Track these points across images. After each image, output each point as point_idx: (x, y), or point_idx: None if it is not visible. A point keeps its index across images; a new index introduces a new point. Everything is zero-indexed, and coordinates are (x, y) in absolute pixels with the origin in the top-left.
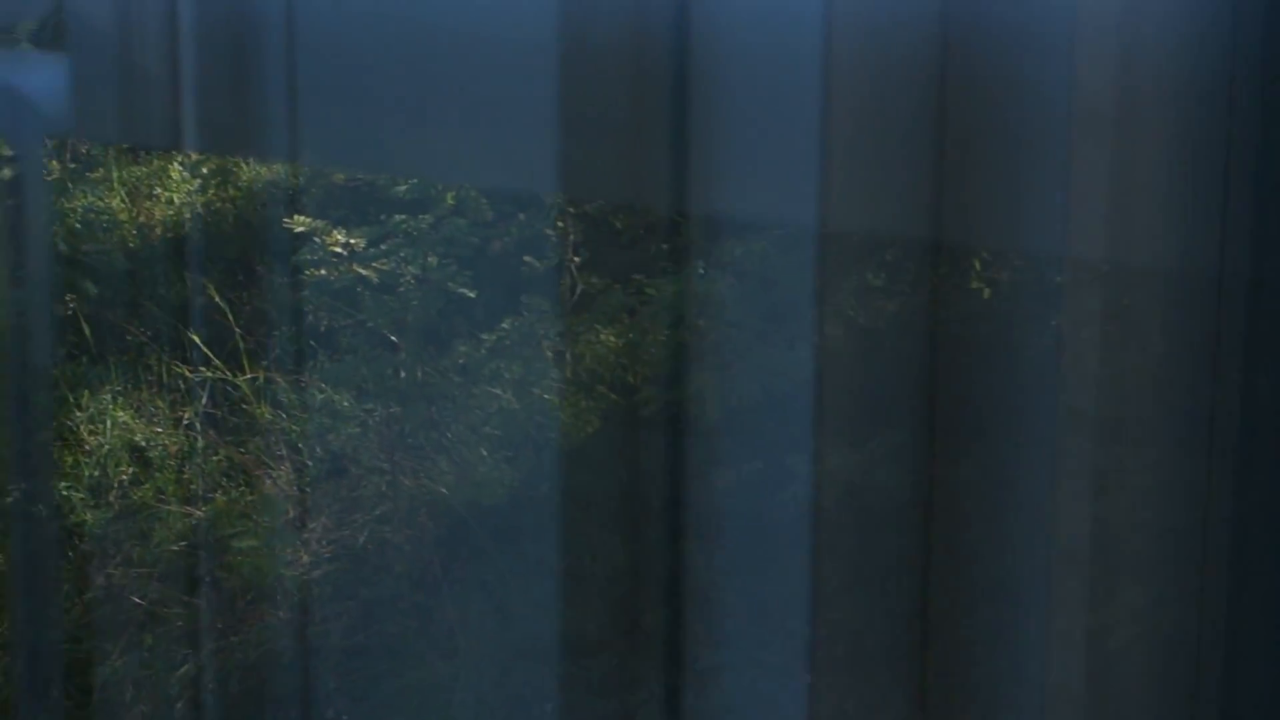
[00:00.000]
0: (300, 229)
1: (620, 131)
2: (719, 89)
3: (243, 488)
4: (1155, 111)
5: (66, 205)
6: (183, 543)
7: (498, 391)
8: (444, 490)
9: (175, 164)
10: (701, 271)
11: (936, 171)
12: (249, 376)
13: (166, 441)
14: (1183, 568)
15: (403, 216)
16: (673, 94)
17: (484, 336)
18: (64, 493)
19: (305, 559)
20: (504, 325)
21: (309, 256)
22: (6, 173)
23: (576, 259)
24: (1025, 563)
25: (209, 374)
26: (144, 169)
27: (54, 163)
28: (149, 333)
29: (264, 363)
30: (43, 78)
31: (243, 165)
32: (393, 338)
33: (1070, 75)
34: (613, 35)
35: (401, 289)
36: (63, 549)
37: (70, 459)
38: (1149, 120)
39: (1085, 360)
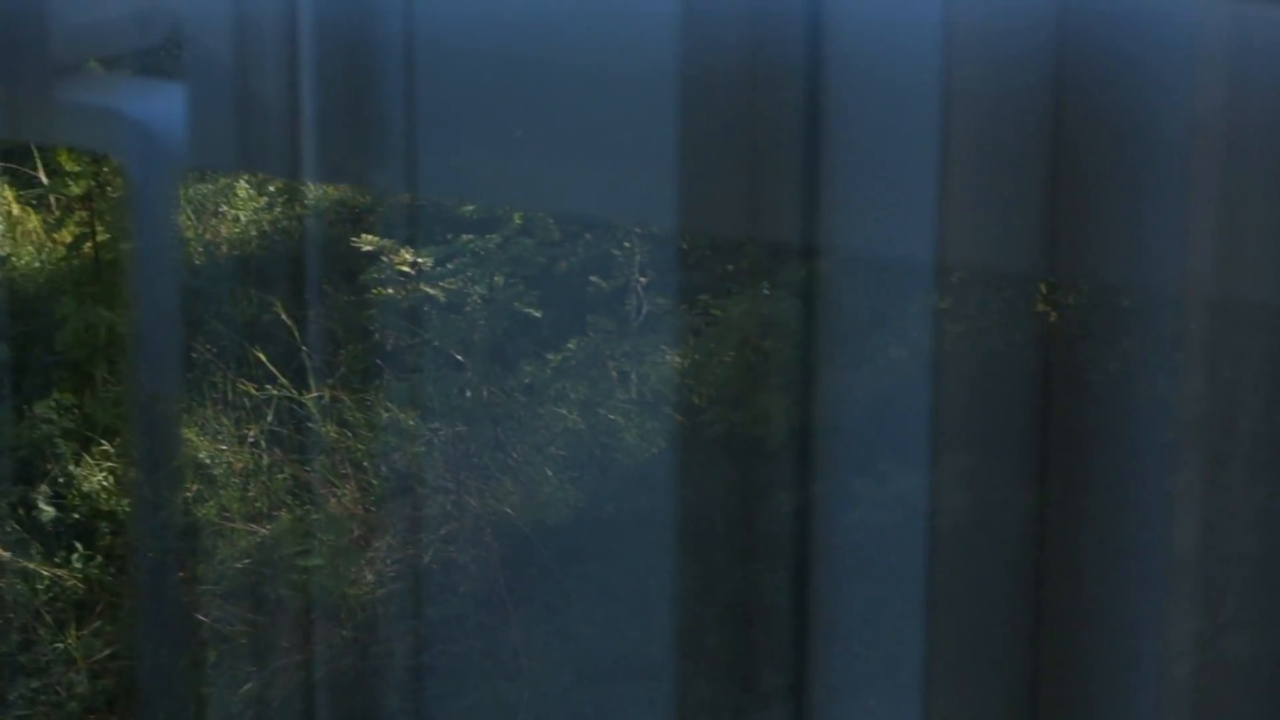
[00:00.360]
0: (368, 248)
1: (740, 165)
2: (837, 122)
3: (308, 506)
4: (1271, 142)
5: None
6: (247, 560)
7: (563, 411)
8: (509, 510)
9: (242, 182)
10: (767, 292)
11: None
12: (315, 395)
13: (231, 459)
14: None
15: (470, 236)
16: (792, 126)
17: (550, 356)
18: (128, 509)
19: (370, 578)
20: (570, 345)
21: (376, 275)
22: (128, 200)
23: (643, 279)
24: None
25: (275, 392)
26: (210, 186)
27: (120, 180)
28: (215, 350)
29: (330, 381)
30: (160, 105)
31: (310, 184)
32: (459, 357)
33: (1186, 108)
34: (729, 69)
35: (468, 308)
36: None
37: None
38: (1265, 152)
39: (1186, 387)
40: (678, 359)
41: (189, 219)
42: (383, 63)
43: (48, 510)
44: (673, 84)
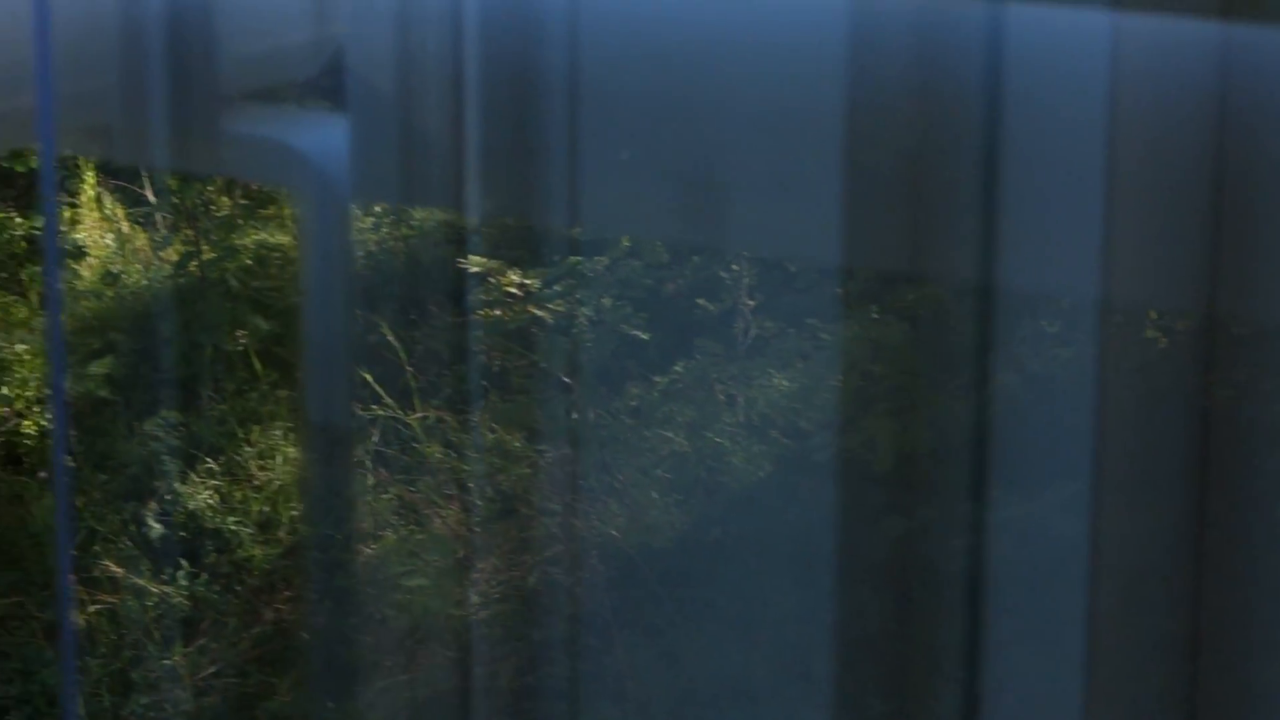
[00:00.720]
0: (475, 269)
1: (908, 202)
2: (1002, 158)
3: (412, 526)
4: None
5: (238, 241)
6: (352, 579)
7: (669, 435)
8: (614, 533)
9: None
10: (876, 317)
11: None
12: (420, 415)
13: (338, 478)
14: None
15: (578, 258)
16: (949, 161)
17: (656, 379)
18: (233, 528)
19: (474, 599)
20: (677, 368)
21: (483, 296)
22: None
23: (750, 302)
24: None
25: (380, 412)
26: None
27: (224, 199)
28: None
29: (435, 402)
30: (324, 137)
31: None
32: (565, 379)
33: None
34: (895, 109)
35: (575, 330)
36: (231, 582)
37: (240, 494)
38: None
39: None
40: (785, 383)
41: (294, 238)
42: (545, 96)
43: (155, 527)
44: (837, 119)
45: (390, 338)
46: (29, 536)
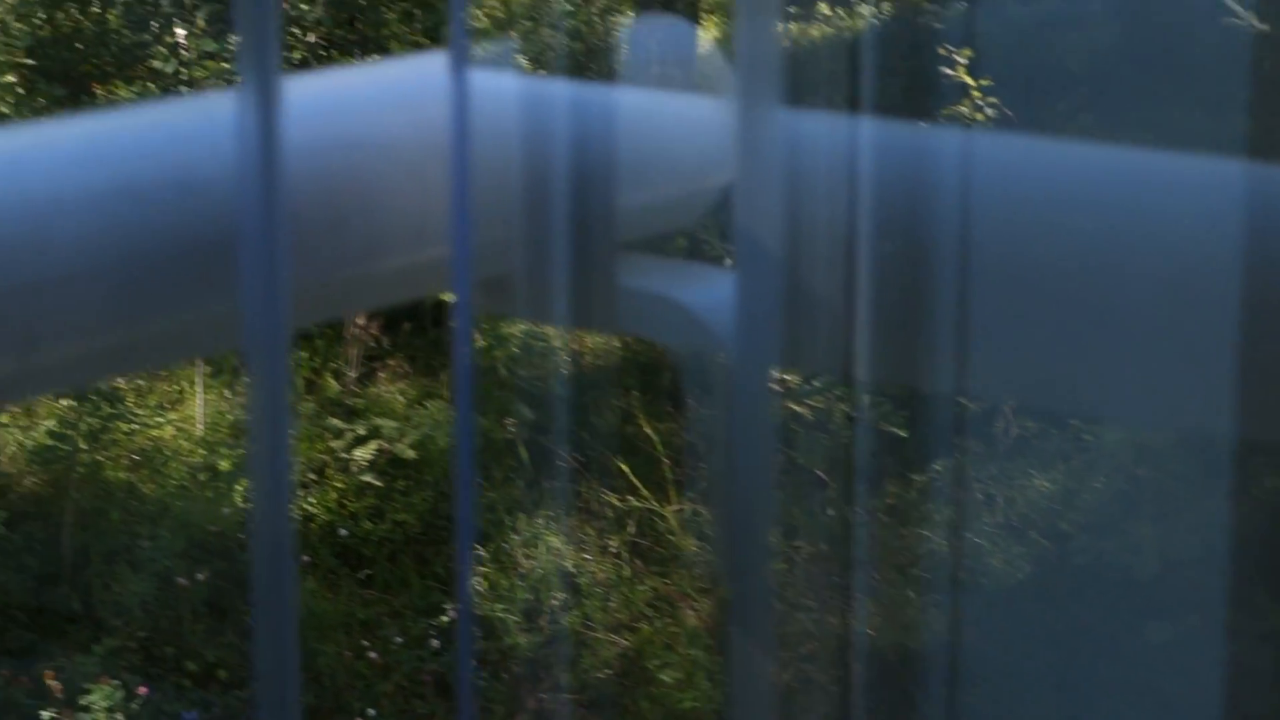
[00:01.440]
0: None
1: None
2: None
3: (667, 618)
4: None
5: (505, 331)
6: (609, 670)
7: (927, 533)
8: (870, 631)
9: None
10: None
11: None
12: (675, 507)
13: (595, 568)
14: None
15: None
16: None
17: (915, 477)
18: (499, 615)
19: (726, 694)
20: (936, 466)
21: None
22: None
23: (1011, 402)
24: None
25: (636, 503)
26: None
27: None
28: (581, 459)
29: (690, 494)
30: (706, 290)
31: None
32: (821, 474)
33: None
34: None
35: (833, 427)
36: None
37: (505, 582)
38: None
39: None
40: (1046, 484)
41: (557, 329)
42: (938, 263)
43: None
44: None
45: (646, 429)
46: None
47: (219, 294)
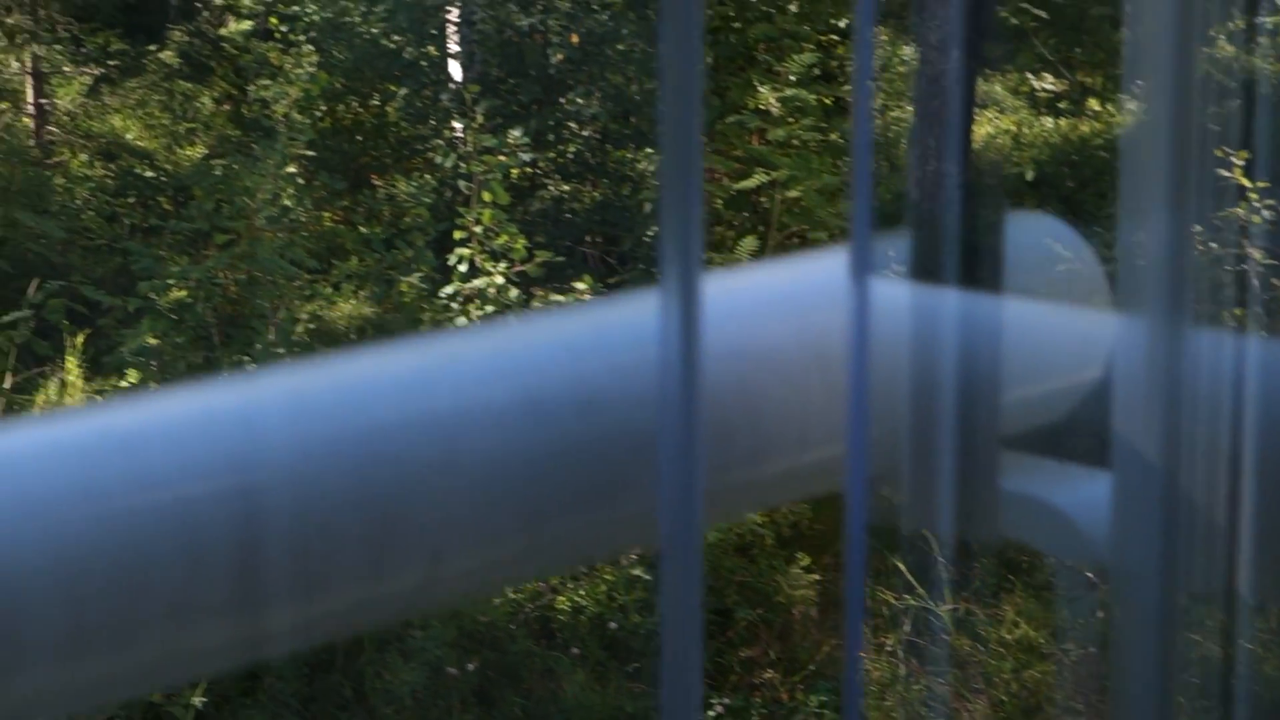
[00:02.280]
0: None
1: None
2: None
3: None
4: None
5: None
6: None
7: (1197, 639)
8: None
9: None
10: None
11: None
12: (950, 607)
13: (870, 667)
14: None
15: None
16: None
17: None
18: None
19: None
20: None
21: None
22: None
23: None
24: None
25: (912, 602)
26: None
27: None
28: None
29: (964, 594)
30: (1082, 493)
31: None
32: (1091, 576)
33: None
34: None
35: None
36: None
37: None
38: None
39: None
40: None
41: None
42: None
43: None
44: None
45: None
46: (560, 713)
47: (616, 502)
